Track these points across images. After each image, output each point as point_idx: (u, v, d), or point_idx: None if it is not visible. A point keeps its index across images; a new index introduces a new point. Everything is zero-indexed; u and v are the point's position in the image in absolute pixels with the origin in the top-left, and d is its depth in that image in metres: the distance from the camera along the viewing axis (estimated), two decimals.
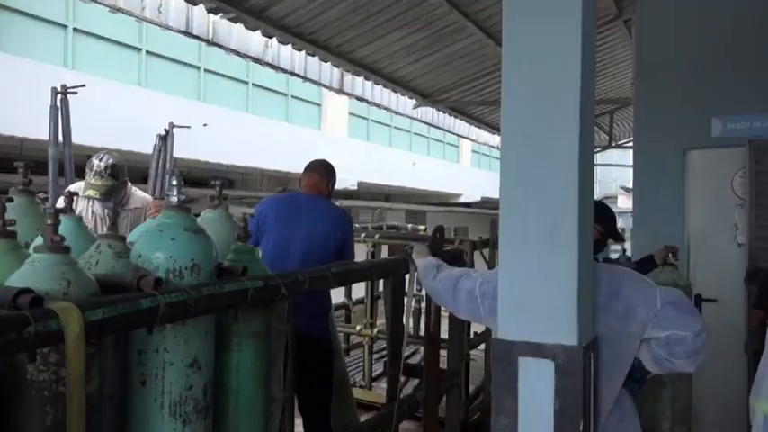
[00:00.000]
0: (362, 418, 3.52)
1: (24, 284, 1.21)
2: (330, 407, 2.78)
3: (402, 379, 2.40)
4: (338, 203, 13.10)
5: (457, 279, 2.04)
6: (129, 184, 3.50)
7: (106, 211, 3.24)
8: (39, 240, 1.39)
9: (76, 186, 3.37)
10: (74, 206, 3.28)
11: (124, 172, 3.35)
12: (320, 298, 2.84)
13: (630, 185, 4.49)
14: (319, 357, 2.78)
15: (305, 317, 2.73)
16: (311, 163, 3.13)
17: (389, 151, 13.59)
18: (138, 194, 3.50)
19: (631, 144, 5.48)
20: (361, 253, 3.82)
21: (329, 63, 5.65)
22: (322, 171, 3.07)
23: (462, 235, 14.49)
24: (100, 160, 3.22)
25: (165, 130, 4.14)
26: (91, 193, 3.18)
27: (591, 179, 1.93)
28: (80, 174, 3.46)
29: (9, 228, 1.48)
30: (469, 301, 1.98)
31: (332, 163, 3.15)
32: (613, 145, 9.58)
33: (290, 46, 5.07)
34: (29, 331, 1.09)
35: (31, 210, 1.81)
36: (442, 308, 2.53)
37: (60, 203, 2.12)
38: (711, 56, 4.10)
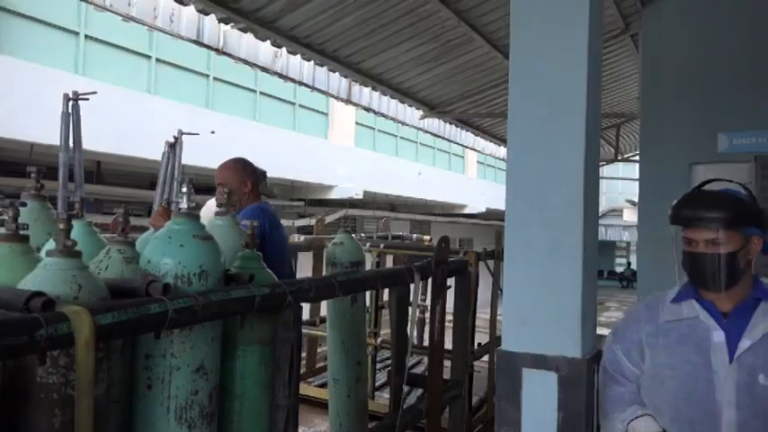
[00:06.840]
0: None
1: (36, 288, 1.23)
2: None
3: (405, 389, 2.40)
4: (343, 212, 12.76)
5: None
6: None
7: None
8: (50, 244, 1.41)
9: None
10: None
11: None
12: None
13: (636, 199, 4.49)
14: None
15: None
16: (252, 168, 2.93)
17: (395, 161, 13.61)
18: None
19: (637, 158, 5.48)
20: (366, 262, 3.83)
21: (337, 73, 5.69)
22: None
23: (467, 246, 14.48)
24: None
25: (174, 137, 4.18)
26: None
27: (596, 193, 1.94)
28: (89, 179, 3.47)
29: (22, 232, 1.50)
30: None
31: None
32: (619, 158, 9.57)
33: (298, 56, 5.11)
34: (40, 334, 1.11)
35: (43, 214, 1.83)
36: (447, 318, 2.54)
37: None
38: (718, 71, 4.11)
